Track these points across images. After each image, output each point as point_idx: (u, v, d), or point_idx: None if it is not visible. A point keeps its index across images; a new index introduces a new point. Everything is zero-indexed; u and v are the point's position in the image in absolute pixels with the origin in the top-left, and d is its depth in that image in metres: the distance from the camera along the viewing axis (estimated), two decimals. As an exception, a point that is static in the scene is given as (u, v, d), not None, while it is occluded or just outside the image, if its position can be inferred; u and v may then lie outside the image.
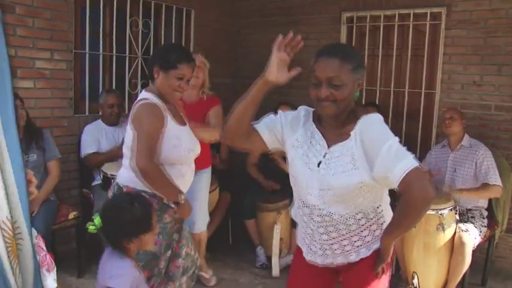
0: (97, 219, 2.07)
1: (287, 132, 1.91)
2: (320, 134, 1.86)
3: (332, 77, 1.70)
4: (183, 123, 2.66)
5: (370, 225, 1.86)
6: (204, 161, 3.44)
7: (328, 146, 1.82)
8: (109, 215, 2.10)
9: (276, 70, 1.69)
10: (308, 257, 1.97)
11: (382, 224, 1.88)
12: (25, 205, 2.76)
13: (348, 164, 1.76)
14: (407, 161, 1.64)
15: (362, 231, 1.86)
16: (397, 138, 1.72)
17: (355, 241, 1.87)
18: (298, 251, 2.07)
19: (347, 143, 1.78)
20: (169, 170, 2.51)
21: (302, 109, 1.96)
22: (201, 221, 3.58)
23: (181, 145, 2.54)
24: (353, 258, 1.89)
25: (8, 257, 2.43)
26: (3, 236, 2.52)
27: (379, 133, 1.74)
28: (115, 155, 3.77)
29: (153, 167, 2.39)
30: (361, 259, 1.89)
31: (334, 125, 1.83)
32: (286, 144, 1.92)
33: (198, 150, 2.70)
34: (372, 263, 1.88)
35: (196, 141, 2.71)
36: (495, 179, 3.59)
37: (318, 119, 1.90)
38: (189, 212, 2.62)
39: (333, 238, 1.86)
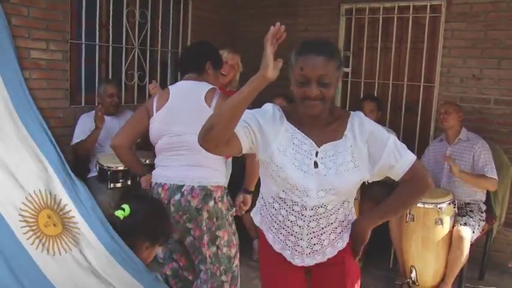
0: (127, 209, 2.07)
1: (269, 134, 1.78)
2: (302, 134, 1.80)
3: (322, 75, 1.68)
4: None
5: (346, 212, 1.91)
6: None
7: (318, 145, 1.79)
8: (153, 211, 2.16)
9: (273, 66, 1.57)
10: (295, 260, 1.90)
11: (351, 209, 1.93)
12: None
13: (348, 163, 1.78)
14: (409, 153, 1.81)
15: (343, 220, 1.90)
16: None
17: (336, 227, 1.88)
18: (271, 258, 1.96)
19: (342, 142, 1.80)
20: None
21: (273, 107, 1.85)
22: None
23: None
24: (340, 245, 1.90)
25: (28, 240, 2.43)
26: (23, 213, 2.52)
27: (378, 129, 1.83)
28: (95, 137, 3.77)
29: None
30: (338, 252, 1.90)
31: (316, 124, 1.80)
32: (269, 148, 1.78)
33: None
34: (348, 253, 1.94)
35: None
36: (492, 172, 3.59)
37: (294, 118, 1.82)
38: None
39: (322, 229, 1.84)
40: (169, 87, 2.75)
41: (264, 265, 2.03)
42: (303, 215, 1.81)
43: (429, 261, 3.40)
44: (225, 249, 2.62)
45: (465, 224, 3.44)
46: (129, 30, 4.49)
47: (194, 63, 2.73)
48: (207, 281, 2.61)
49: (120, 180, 3.65)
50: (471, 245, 3.43)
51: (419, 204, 3.36)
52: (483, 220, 3.63)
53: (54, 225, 2.60)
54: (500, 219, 3.91)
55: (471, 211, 3.61)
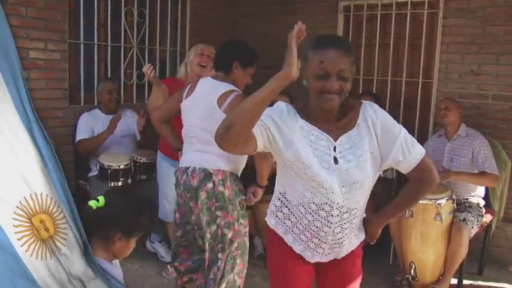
0: (101, 200, 2.07)
1: (289, 133, 1.76)
2: (318, 129, 1.79)
3: (343, 70, 1.69)
4: None
5: (363, 212, 1.96)
6: None
7: (334, 140, 1.79)
8: (128, 204, 2.13)
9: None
10: (315, 259, 1.93)
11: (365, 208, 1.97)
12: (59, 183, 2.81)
13: (366, 153, 1.79)
14: (419, 147, 1.82)
15: (361, 220, 1.95)
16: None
17: (356, 229, 1.93)
18: (284, 255, 1.98)
19: (355, 132, 1.80)
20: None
21: (286, 105, 1.83)
22: None
23: None
24: (355, 244, 1.95)
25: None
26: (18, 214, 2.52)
27: (390, 120, 1.83)
28: (103, 139, 3.80)
29: None
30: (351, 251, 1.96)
31: (330, 117, 1.80)
32: (292, 146, 1.75)
33: None
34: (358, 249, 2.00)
35: None
36: (492, 167, 3.59)
37: (306, 114, 1.81)
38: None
39: (346, 234, 1.87)
40: (200, 79, 2.90)
41: (274, 259, 2.06)
42: (329, 221, 1.81)
43: (428, 257, 3.42)
44: (225, 230, 2.71)
45: (464, 219, 3.45)
46: (128, 29, 4.49)
47: (221, 64, 2.83)
48: (207, 255, 2.78)
49: (121, 179, 3.68)
50: (470, 240, 3.45)
51: (418, 200, 3.38)
52: (482, 215, 3.64)
53: (46, 229, 2.63)
54: (499, 215, 3.92)
55: (470, 207, 3.62)
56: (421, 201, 3.35)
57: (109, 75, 4.35)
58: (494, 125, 4.11)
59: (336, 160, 1.77)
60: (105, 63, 4.39)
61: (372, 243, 2.06)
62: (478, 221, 3.56)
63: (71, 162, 4.06)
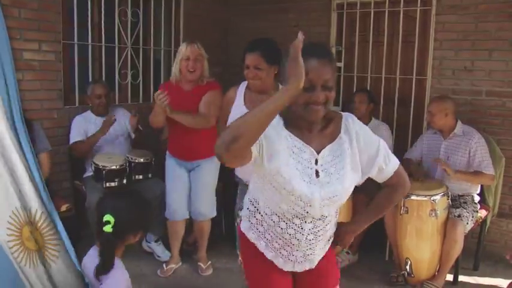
0: (111, 219, 2.06)
1: (274, 142, 1.67)
2: (301, 141, 1.73)
3: (327, 80, 1.65)
4: None
5: (336, 220, 1.95)
6: (205, 149, 3.47)
7: (317, 152, 1.74)
8: (139, 210, 2.19)
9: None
10: (286, 267, 1.91)
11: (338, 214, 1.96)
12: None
13: (346, 166, 1.76)
14: (394, 157, 1.87)
15: (334, 227, 1.95)
16: None
17: (328, 236, 1.92)
18: (261, 264, 1.94)
19: (336, 145, 1.77)
20: None
21: None
22: (206, 209, 3.66)
23: None
24: (326, 249, 1.96)
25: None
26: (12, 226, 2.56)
27: (370, 132, 1.84)
28: (96, 140, 3.80)
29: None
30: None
31: (313, 128, 1.76)
32: (276, 158, 1.67)
33: None
34: (331, 255, 2.03)
35: None
36: (489, 168, 3.59)
37: (291, 124, 1.74)
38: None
39: (320, 241, 1.86)
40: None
41: (250, 266, 2.03)
42: (302, 228, 1.79)
43: (424, 253, 3.43)
44: None
45: (459, 215, 3.47)
46: (122, 30, 4.49)
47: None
48: None
49: (116, 180, 3.68)
50: (465, 236, 3.46)
51: (413, 197, 3.39)
52: (477, 211, 3.66)
53: (35, 241, 2.68)
54: (494, 210, 3.94)
55: (465, 202, 3.63)
56: (416, 198, 3.39)
57: (103, 76, 4.35)
58: (488, 120, 4.12)
59: (317, 173, 1.73)
60: (100, 63, 4.38)
61: (341, 246, 2.06)
62: (473, 217, 3.58)
63: (66, 162, 4.06)
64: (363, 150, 1.78)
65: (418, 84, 4.48)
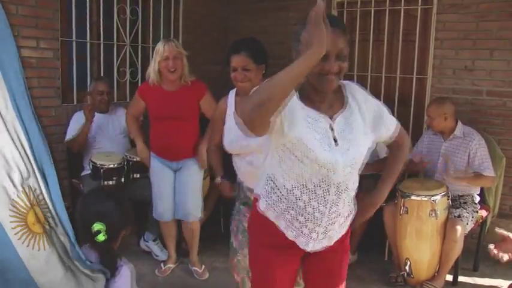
0: (101, 226, 2.01)
1: (291, 113, 1.66)
2: (314, 111, 1.74)
3: (341, 49, 1.67)
4: None
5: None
6: (190, 149, 3.51)
7: (331, 120, 1.76)
8: (122, 206, 2.14)
9: None
10: (309, 247, 1.87)
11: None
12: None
13: (360, 131, 1.79)
14: (393, 117, 1.96)
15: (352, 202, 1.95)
16: None
17: (348, 211, 1.91)
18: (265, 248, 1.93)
19: (348, 112, 1.80)
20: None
21: None
22: (194, 210, 3.59)
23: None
24: (346, 228, 1.94)
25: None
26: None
27: (370, 95, 1.89)
28: (87, 131, 3.75)
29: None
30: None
31: (325, 98, 1.77)
32: (295, 128, 1.67)
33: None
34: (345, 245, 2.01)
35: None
36: (489, 170, 3.57)
37: (302, 95, 1.75)
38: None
39: (340, 215, 1.85)
40: None
41: (255, 255, 2.00)
42: (325, 200, 1.77)
43: (423, 254, 3.41)
44: None
45: (459, 216, 3.45)
46: (120, 27, 4.46)
47: None
48: None
49: (114, 178, 3.67)
50: (465, 236, 3.44)
51: (413, 197, 3.37)
52: (477, 211, 3.64)
53: (39, 222, 2.65)
54: (494, 210, 3.93)
55: (465, 203, 3.61)
56: (416, 198, 3.36)
57: (102, 74, 4.33)
58: (488, 120, 4.11)
59: (335, 141, 1.74)
60: (98, 61, 4.35)
61: (358, 221, 2.01)
62: (473, 217, 3.56)
63: (63, 160, 4.03)
64: (370, 112, 1.83)
65: (419, 83, 4.47)
